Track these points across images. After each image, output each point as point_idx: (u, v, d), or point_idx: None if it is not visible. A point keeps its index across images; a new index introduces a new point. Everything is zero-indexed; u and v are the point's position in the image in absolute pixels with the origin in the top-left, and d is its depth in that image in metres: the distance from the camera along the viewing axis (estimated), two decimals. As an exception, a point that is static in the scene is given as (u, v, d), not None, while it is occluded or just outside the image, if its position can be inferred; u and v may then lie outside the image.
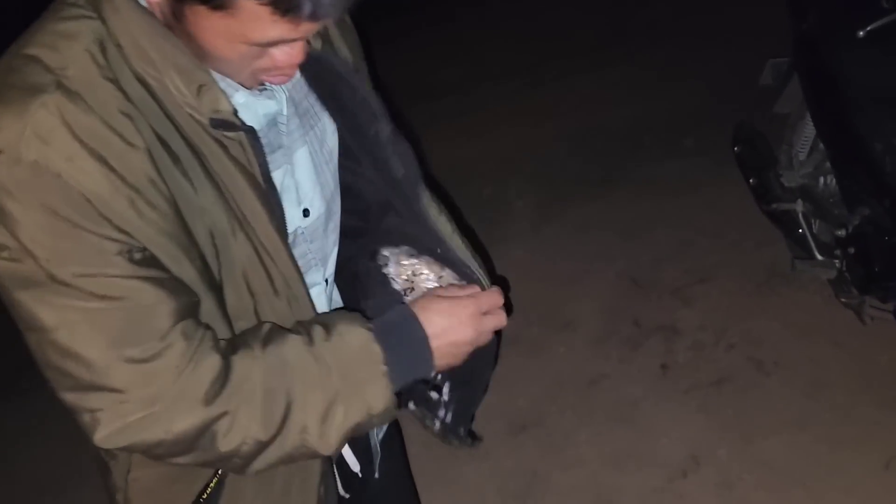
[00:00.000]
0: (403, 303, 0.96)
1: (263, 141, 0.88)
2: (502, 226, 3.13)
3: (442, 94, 4.19)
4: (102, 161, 0.75)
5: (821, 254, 2.17)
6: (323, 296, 1.03)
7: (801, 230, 2.23)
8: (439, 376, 1.07)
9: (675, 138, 3.31)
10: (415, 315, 0.92)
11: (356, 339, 0.88)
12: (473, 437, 1.15)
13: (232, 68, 0.82)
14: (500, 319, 0.97)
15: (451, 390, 1.08)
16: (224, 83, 0.84)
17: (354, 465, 1.14)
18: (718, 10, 3.87)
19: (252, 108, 0.88)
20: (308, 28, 0.75)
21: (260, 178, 0.85)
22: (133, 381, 0.79)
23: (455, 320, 0.93)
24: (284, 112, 0.92)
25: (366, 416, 0.88)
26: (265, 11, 0.71)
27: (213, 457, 0.84)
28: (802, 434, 2.05)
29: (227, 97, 0.82)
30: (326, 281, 1.03)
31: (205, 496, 0.95)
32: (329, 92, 0.97)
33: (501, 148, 3.67)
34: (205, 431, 0.82)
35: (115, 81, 0.77)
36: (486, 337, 0.97)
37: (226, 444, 0.83)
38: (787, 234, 2.37)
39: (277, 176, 0.91)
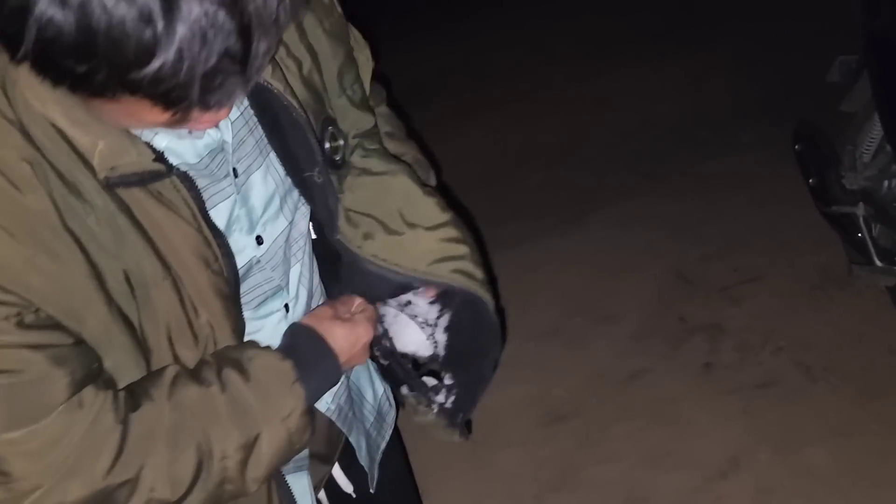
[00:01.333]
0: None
1: (204, 172, 0.81)
2: (548, 215, 3.10)
3: (494, 79, 4.15)
4: None
5: (880, 260, 2.10)
6: (283, 322, 0.96)
7: (860, 234, 2.15)
8: (438, 362, 1.06)
9: (732, 133, 3.22)
10: (322, 338, 0.92)
11: (276, 379, 0.84)
12: (469, 428, 1.12)
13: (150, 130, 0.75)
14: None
15: (454, 375, 1.06)
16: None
17: (347, 486, 1.12)
18: (786, 3, 3.75)
19: (188, 141, 0.80)
20: (211, 117, 0.68)
21: (201, 222, 0.78)
22: (20, 465, 0.72)
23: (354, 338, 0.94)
24: (230, 139, 0.84)
25: (288, 448, 0.85)
26: (147, 104, 0.62)
27: None
28: (849, 444, 1.99)
29: (140, 145, 0.73)
30: (287, 306, 0.97)
31: None
32: (272, 123, 0.88)
33: (551, 135, 3.62)
34: (104, 500, 0.76)
35: (16, 122, 0.69)
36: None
37: None
38: (845, 238, 2.29)
39: (225, 207, 0.84)
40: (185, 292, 0.79)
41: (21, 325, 0.69)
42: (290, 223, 0.94)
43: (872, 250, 2.12)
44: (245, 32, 0.59)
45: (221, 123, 0.83)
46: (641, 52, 3.99)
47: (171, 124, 0.67)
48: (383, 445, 1.16)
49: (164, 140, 0.77)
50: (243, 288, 0.88)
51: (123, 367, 0.79)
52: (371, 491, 1.14)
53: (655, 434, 2.15)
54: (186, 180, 0.77)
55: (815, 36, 3.21)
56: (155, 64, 0.57)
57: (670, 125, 3.44)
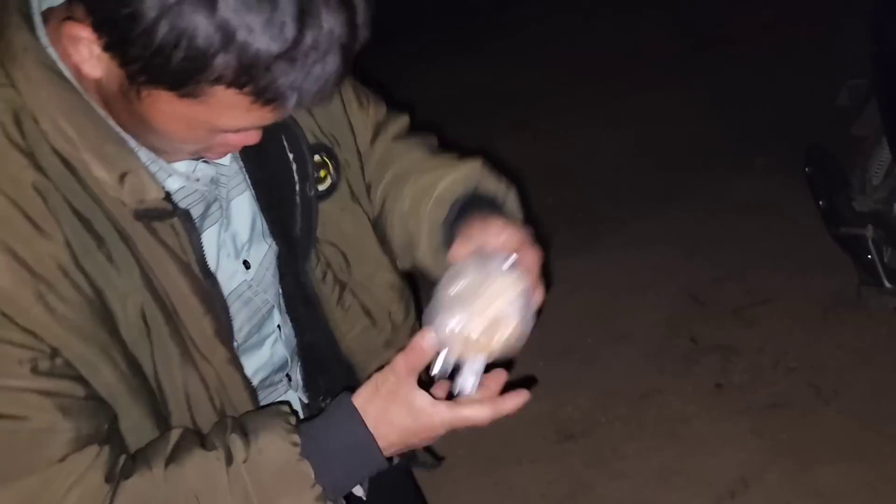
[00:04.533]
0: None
1: (197, 196, 0.82)
2: (563, 235, 3.13)
3: (510, 101, 4.21)
4: (6, 249, 0.67)
5: (890, 282, 2.12)
6: (279, 342, 0.97)
7: (869, 256, 2.18)
8: None
9: (746, 157, 3.25)
10: (368, 434, 0.79)
11: (279, 456, 0.76)
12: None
13: (177, 147, 0.75)
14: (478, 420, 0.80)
15: None
16: (156, 165, 0.76)
17: (358, 490, 1.07)
18: (796, 28, 3.79)
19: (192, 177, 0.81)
20: (284, 114, 0.69)
21: (195, 266, 0.78)
22: None
23: (417, 440, 0.81)
24: (227, 163, 0.85)
25: None
26: (244, 101, 0.65)
27: None
28: (859, 465, 2.00)
29: (158, 182, 0.74)
30: (279, 327, 0.96)
31: None
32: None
33: (567, 157, 3.66)
34: None
35: (30, 156, 0.69)
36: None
37: None
38: (855, 260, 2.32)
39: (213, 232, 0.84)
40: (188, 338, 0.78)
41: (35, 370, 0.69)
42: (270, 247, 0.92)
43: (882, 272, 2.14)
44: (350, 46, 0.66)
45: None
46: (656, 76, 4.04)
47: (247, 126, 0.70)
48: None
49: (176, 183, 0.78)
50: (243, 315, 0.88)
51: (141, 427, 0.77)
52: (363, 497, 1.09)
53: (665, 453, 2.17)
54: (189, 224, 0.77)
55: (823, 60, 3.25)
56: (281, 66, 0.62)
57: (685, 148, 3.47)
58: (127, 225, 0.74)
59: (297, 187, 0.87)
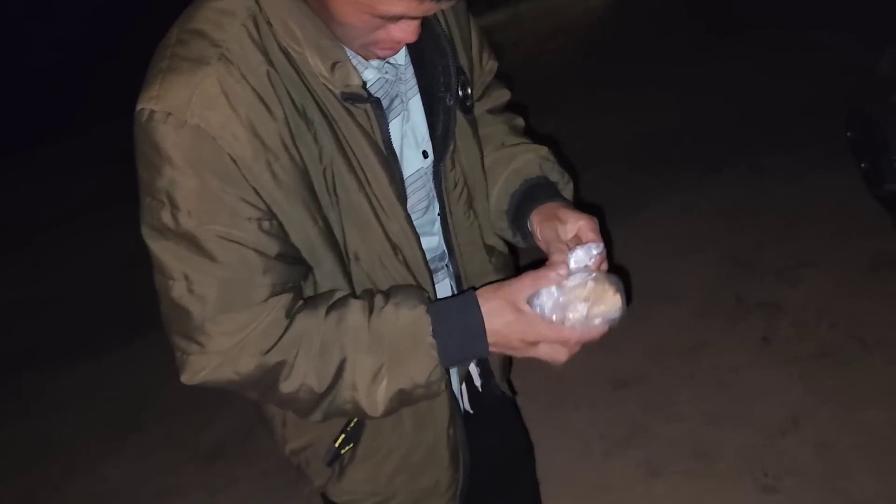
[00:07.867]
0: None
1: (383, 91, 0.96)
2: (609, 206, 3.25)
3: (556, 78, 4.33)
4: (250, 128, 0.84)
5: (932, 236, 2.21)
6: (438, 233, 1.10)
7: (913, 212, 2.27)
8: None
9: (786, 128, 3.37)
10: (480, 315, 0.93)
11: (410, 316, 0.93)
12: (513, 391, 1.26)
13: (351, 35, 0.87)
14: (556, 356, 0.94)
15: None
16: (356, 60, 0.92)
17: (477, 379, 1.25)
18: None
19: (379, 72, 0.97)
20: (431, 7, 0.81)
21: (381, 145, 0.93)
22: (216, 340, 0.90)
23: (513, 338, 0.93)
24: (402, 62, 1.00)
25: (410, 385, 0.93)
26: None
27: (276, 397, 0.95)
28: (906, 406, 2.10)
29: (358, 73, 0.89)
30: (439, 216, 1.10)
31: (350, 426, 1.08)
32: (417, 52, 1.01)
33: (610, 132, 3.79)
34: (265, 376, 0.92)
35: (265, 53, 0.86)
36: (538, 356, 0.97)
37: (286, 387, 0.93)
38: (896, 218, 2.41)
39: (396, 123, 0.99)
40: (377, 203, 0.94)
41: (260, 228, 0.87)
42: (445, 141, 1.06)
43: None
44: None
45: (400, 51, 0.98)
46: (696, 50, 4.15)
47: (385, 23, 0.84)
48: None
49: (370, 74, 0.95)
50: (416, 196, 1.04)
51: (332, 275, 0.96)
52: (499, 392, 1.28)
53: (718, 398, 2.28)
54: (379, 110, 0.92)
55: (862, 29, 3.32)
56: None
57: (727, 121, 3.59)
58: (332, 109, 0.90)
59: (442, 94, 1.02)
